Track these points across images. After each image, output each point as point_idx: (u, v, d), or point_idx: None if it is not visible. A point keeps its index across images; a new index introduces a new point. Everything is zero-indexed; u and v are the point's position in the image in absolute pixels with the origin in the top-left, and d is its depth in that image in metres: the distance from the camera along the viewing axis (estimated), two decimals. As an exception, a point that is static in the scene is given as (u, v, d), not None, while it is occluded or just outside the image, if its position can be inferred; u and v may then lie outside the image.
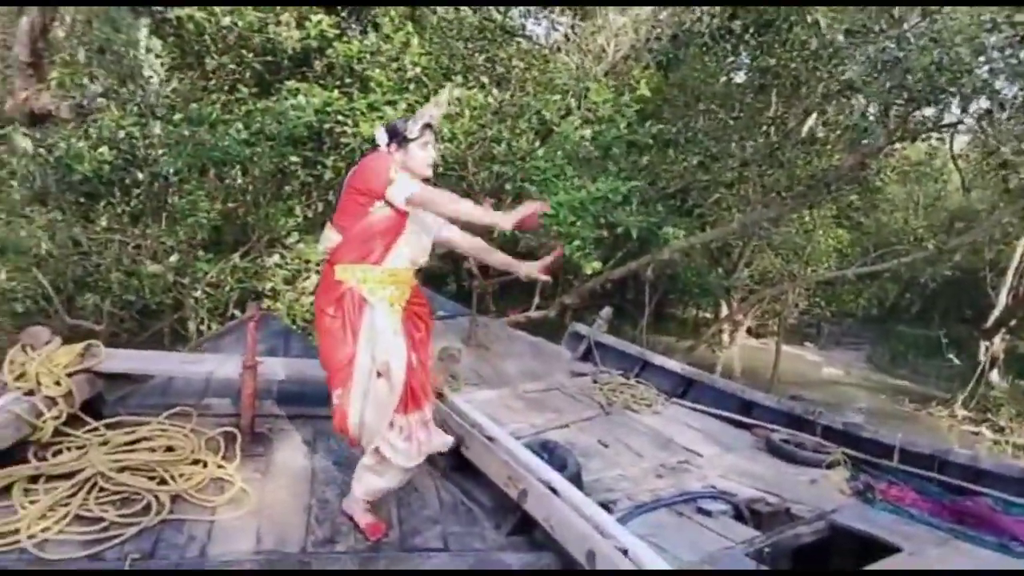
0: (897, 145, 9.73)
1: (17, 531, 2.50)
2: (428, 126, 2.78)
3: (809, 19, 5.58)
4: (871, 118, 6.64)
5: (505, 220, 2.58)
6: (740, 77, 6.79)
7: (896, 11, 5.78)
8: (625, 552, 2.47)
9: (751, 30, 5.99)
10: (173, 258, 6.57)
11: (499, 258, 3.10)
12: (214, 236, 7.50)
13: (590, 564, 2.52)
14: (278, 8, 6.52)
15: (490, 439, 3.28)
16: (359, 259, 2.72)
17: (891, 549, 3.67)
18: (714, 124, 7.46)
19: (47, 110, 4.68)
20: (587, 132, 6.13)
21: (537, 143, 6.20)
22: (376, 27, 7.01)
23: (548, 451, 3.66)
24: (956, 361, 12.98)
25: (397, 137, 2.75)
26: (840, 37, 5.58)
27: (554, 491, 2.85)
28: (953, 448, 5.12)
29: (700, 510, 4.03)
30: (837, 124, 6.90)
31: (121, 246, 6.50)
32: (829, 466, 4.91)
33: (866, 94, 5.89)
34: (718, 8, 6.05)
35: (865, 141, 6.95)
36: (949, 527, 4.06)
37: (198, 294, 6.98)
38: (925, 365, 15.03)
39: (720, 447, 5.29)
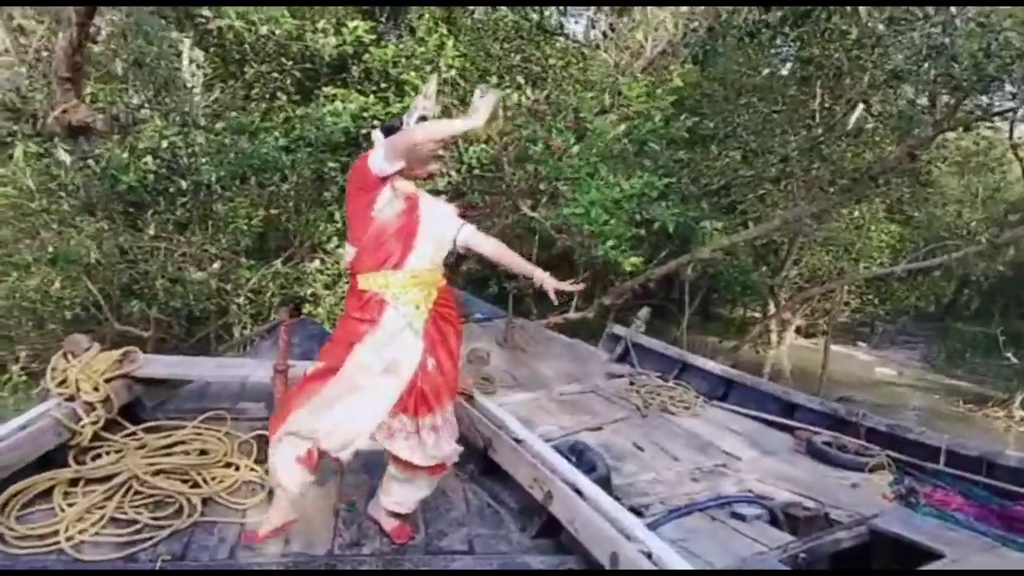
0: (949, 135, 9.41)
1: (56, 533, 2.59)
2: (423, 119, 2.70)
3: (848, 8, 5.41)
4: (918, 108, 6.42)
5: (475, 119, 2.56)
6: (783, 69, 6.63)
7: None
8: (649, 555, 2.44)
9: (789, 21, 5.84)
10: (216, 265, 6.74)
11: (519, 263, 3.03)
12: (257, 243, 7.69)
13: (613, 567, 2.50)
14: (315, 15, 6.62)
15: (518, 441, 3.28)
16: (378, 265, 2.67)
17: (933, 556, 3.55)
18: (755, 118, 7.29)
19: (84, 123, 4.85)
20: (621, 128, 6.07)
21: (572, 141, 6.16)
22: (412, 31, 7.07)
23: (577, 453, 3.64)
24: (1014, 360, 12.45)
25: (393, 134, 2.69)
26: (881, 26, 5.40)
27: (580, 493, 2.83)
28: (1003, 450, 4.92)
29: (735, 514, 3.96)
30: (883, 115, 6.68)
31: (167, 254, 6.69)
32: (871, 469, 4.78)
33: (911, 83, 5.69)
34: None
35: (915, 132, 6.71)
36: (997, 534, 3.90)
37: (241, 300, 7.15)
38: (983, 364, 14.45)
39: (759, 450, 5.20)
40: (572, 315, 9.28)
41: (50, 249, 5.81)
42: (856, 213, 11.63)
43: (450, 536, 2.94)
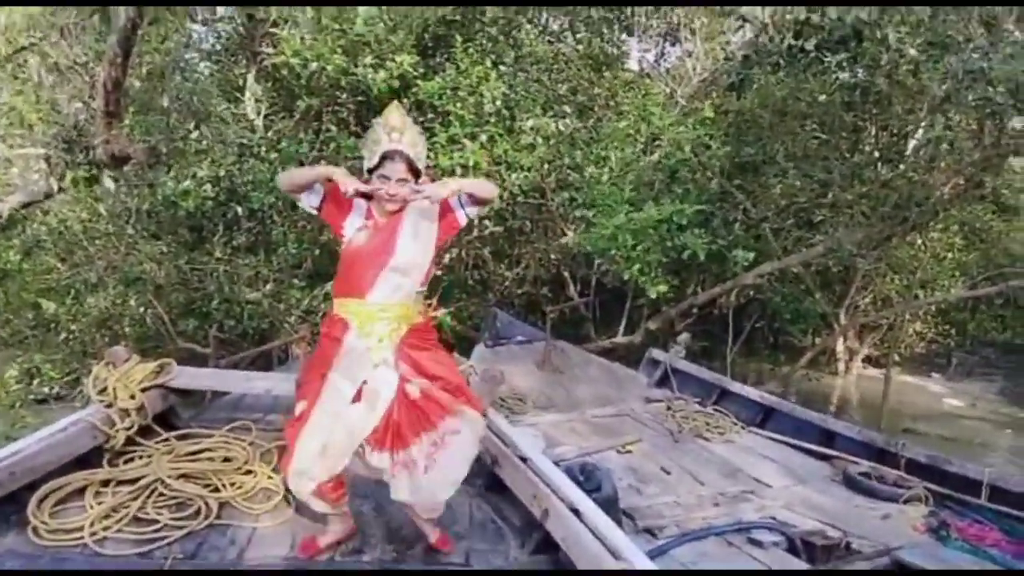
0: (1013, 160, 9.06)
1: (82, 528, 2.81)
2: (387, 155, 2.60)
3: (879, 34, 5.34)
4: (963, 132, 6.24)
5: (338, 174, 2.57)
6: (821, 96, 6.56)
7: (988, 16, 5.45)
8: (634, 576, 2.48)
9: (826, 47, 5.81)
10: (268, 286, 7.08)
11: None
12: (311, 267, 8.03)
13: (599, 586, 2.55)
14: (358, 53, 6.94)
15: (523, 459, 3.36)
16: (345, 293, 2.68)
17: (956, 590, 3.44)
18: (797, 145, 7.23)
19: (126, 153, 5.25)
20: (654, 157, 6.14)
21: (606, 169, 6.26)
22: (457, 65, 7.32)
23: (586, 474, 3.68)
24: (1098, 394, 11.70)
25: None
26: (912, 51, 5.30)
27: (576, 512, 2.89)
28: (1052, 488, 4.68)
29: (751, 540, 3.91)
30: (932, 141, 6.53)
31: (224, 275, 7.08)
32: (906, 501, 4.62)
33: (952, 110, 5.56)
34: (787, 27, 5.92)
35: (963, 159, 6.53)
36: (1035, 572, 3.74)
37: (293, 319, 7.48)
38: (1067, 399, 13.63)
39: (792, 478, 5.09)
40: (619, 339, 9.29)
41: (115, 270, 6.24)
42: (928, 240, 11.23)
43: (453, 543, 3.04)
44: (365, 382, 2.63)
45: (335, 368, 2.64)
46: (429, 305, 2.84)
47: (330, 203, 2.70)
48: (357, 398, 2.63)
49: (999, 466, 6.62)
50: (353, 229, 2.68)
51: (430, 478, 2.72)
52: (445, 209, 2.74)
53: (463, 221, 2.80)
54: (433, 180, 2.78)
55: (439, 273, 8.29)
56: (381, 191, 2.62)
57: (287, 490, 2.97)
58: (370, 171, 2.66)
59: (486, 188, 2.79)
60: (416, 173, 2.68)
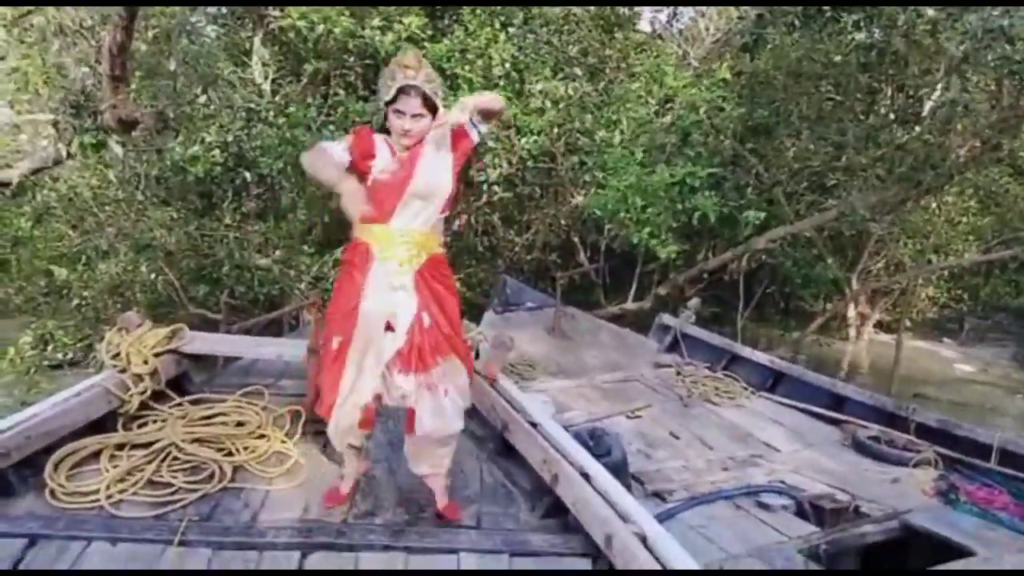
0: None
1: (98, 491, 2.85)
2: (402, 90, 2.63)
3: (894, -9, 5.22)
4: (982, 94, 6.11)
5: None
6: (837, 56, 6.42)
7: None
8: (644, 538, 2.50)
9: (840, 8, 5.67)
10: (278, 252, 7.08)
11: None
12: (320, 234, 8.01)
13: (607, 548, 2.58)
14: (365, 14, 6.84)
15: (533, 424, 3.38)
16: (368, 219, 2.70)
17: (965, 553, 3.45)
18: (811, 106, 7.10)
19: (132, 117, 5.22)
20: (667, 119, 6.05)
21: (617, 131, 6.18)
22: (465, 27, 7.21)
23: (595, 438, 3.69)
24: (1110, 359, 11.64)
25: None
26: (930, 11, 5.17)
27: (586, 476, 2.91)
28: (1060, 451, 4.67)
29: (760, 504, 3.94)
30: (949, 103, 6.39)
31: (234, 241, 7.08)
32: (916, 465, 4.62)
33: (970, 70, 5.42)
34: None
35: (980, 120, 6.40)
36: (1043, 534, 3.74)
37: (303, 286, 7.49)
38: (1079, 364, 13.56)
39: (801, 443, 5.11)
40: (629, 305, 9.27)
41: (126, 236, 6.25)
42: (942, 203, 11.08)
43: (460, 512, 3.07)
44: (391, 311, 2.72)
45: (365, 298, 2.72)
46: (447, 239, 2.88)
47: (359, 154, 2.75)
48: (388, 327, 2.73)
49: (1009, 431, 6.61)
50: (378, 168, 2.73)
51: (452, 399, 2.83)
52: (460, 134, 2.77)
53: (476, 139, 2.84)
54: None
55: (448, 239, 8.27)
56: (397, 125, 2.67)
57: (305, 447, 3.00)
58: (386, 104, 2.68)
59: (496, 101, 2.80)
60: (433, 109, 2.70)
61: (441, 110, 2.74)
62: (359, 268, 2.75)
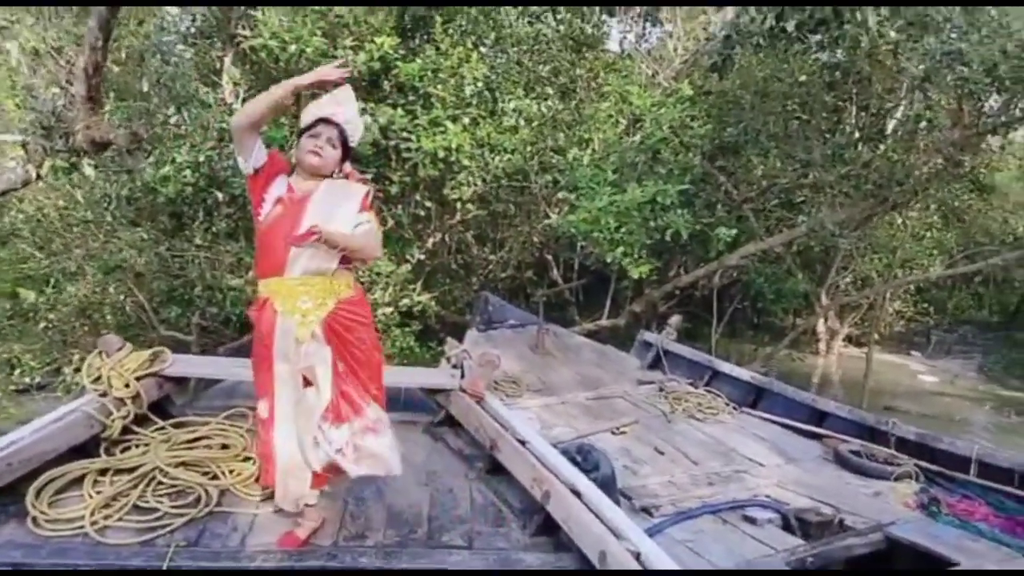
0: (991, 139, 9.18)
1: (83, 517, 2.76)
2: (322, 121, 2.62)
3: (859, 16, 5.36)
4: (940, 112, 6.31)
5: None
6: (802, 76, 6.60)
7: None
8: (637, 555, 2.51)
9: (807, 28, 5.83)
10: (250, 273, 6.97)
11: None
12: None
13: (602, 564, 2.57)
14: (337, 36, 6.84)
15: (521, 442, 3.37)
16: (266, 270, 2.62)
17: (948, 564, 3.51)
18: (777, 124, 7.27)
19: (106, 139, 5.16)
20: (636, 138, 6.13)
21: (589, 151, 6.25)
22: (437, 47, 7.23)
23: (583, 454, 3.70)
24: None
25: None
26: (893, 33, 5.34)
27: (576, 493, 2.91)
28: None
29: (746, 518, 3.97)
30: (907, 121, 6.59)
31: (205, 262, 6.97)
32: (897, 478, 4.70)
33: (931, 89, 5.61)
34: (768, 8, 5.92)
35: (942, 137, 6.61)
36: (1022, 545, 3.82)
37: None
38: (1042, 374, 13.91)
39: (783, 457, 5.16)
40: (603, 322, 9.33)
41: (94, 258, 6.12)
42: (907, 219, 11.36)
43: (451, 531, 3.04)
44: (305, 366, 2.60)
45: (276, 357, 2.63)
46: (358, 279, 2.81)
47: (269, 167, 2.63)
48: (307, 383, 2.63)
49: (980, 441, 6.75)
50: (271, 201, 2.60)
51: (395, 434, 2.80)
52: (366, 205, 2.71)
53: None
54: (360, 180, 2.80)
55: (422, 258, 8.24)
56: (308, 144, 2.60)
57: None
58: (301, 132, 2.66)
59: (369, 249, 2.74)
60: (346, 150, 2.70)
61: (348, 167, 2.75)
62: (265, 327, 2.63)
